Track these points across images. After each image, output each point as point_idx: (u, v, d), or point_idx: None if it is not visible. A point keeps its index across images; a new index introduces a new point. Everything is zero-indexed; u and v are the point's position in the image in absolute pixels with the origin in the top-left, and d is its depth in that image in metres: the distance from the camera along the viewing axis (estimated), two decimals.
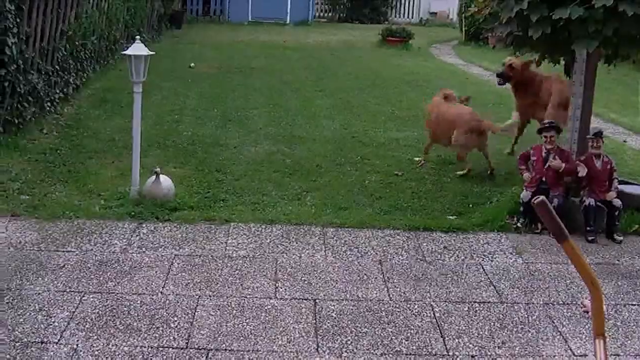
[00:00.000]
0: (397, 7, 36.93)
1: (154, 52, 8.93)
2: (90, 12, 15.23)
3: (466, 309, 6.63)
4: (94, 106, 13.62)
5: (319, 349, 5.83)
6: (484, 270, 7.47)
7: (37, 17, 11.87)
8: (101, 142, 11.24)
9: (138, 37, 9.14)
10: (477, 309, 6.64)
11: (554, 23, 7.80)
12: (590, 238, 8.39)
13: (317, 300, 6.61)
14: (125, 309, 6.29)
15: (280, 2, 32.51)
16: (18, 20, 10.69)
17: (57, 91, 12.82)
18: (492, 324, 6.39)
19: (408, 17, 36.64)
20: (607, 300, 6.82)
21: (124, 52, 8.79)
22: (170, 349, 5.71)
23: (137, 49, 8.57)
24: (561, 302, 6.85)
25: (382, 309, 6.53)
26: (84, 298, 6.44)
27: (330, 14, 36.34)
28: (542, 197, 2.85)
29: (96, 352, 5.61)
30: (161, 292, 6.61)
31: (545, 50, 9.02)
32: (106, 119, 12.71)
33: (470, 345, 6.01)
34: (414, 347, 5.94)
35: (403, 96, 16.41)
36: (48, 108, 12.21)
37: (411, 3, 37.09)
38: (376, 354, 5.81)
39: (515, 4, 8.12)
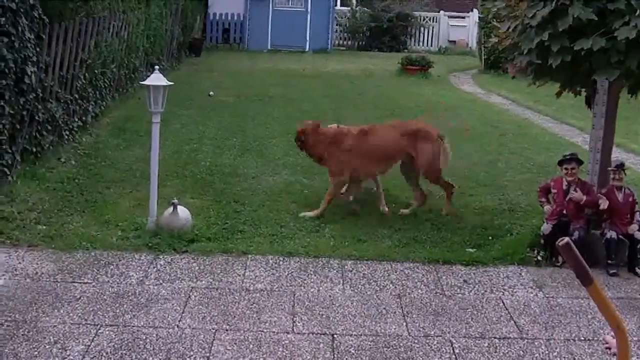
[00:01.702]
0: (417, 36, 36.94)
1: (172, 82, 8.92)
2: (110, 40, 15.28)
3: (486, 344, 6.54)
4: (113, 135, 13.63)
5: None
6: (504, 304, 7.38)
7: (57, 46, 11.90)
8: (119, 172, 11.23)
9: (157, 66, 9.13)
10: (497, 344, 6.55)
11: (575, 53, 7.76)
12: (611, 272, 8.28)
13: (335, 335, 6.53)
14: (141, 342, 6.24)
15: (299, 30, 32.59)
16: (38, 49, 10.72)
17: (76, 120, 12.83)
18: None
19: (427, 45, 36.64)
20: (629, 336, 6.69)
21: (143, 82, 8.79)
22: None
23: (156, 79, 8.56)
24: (583, 338, 6.76)
25: (401, 344, 6.45)
26: (99, 331, 6.39)
27: (349, 42, 36.38)
28: (567, 239, 2.78)
29: None
30: (177, 326, 6.55)
31: (565, 80, 8.95)
32: (125, 148, 12.71)
33: None
34: None
35: None
36: (67, 137, 12.22)
37: (430, 31, 37.12)
38: None
39: (536, 35, 8.09)
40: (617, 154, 11.39)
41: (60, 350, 6.04)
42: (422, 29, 37.04)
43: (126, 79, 17.04)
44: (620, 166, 8.65)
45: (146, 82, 8.63)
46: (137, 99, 16.48)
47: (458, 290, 7.69)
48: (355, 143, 9.86)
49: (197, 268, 7.86)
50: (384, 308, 7.14)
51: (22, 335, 6.24)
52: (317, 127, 10.13)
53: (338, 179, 9.89)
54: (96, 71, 14.12)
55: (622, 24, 7.56)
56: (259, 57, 29.44)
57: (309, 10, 32.97)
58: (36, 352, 5.99)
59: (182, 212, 8.76)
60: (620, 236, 8.42)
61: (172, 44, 23.94)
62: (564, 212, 8.62)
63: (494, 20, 10.00)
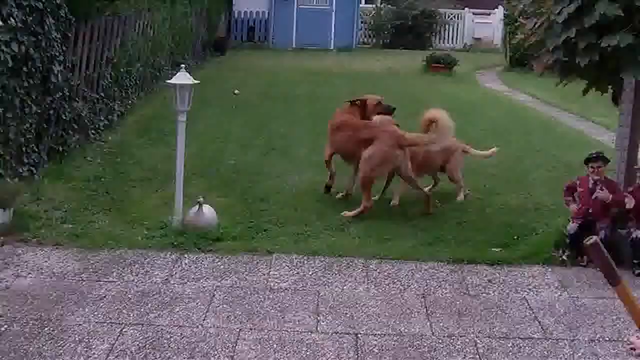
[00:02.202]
0: (441, 33, 36.80)
1: (198, 81, 8.93)
2: (136, 39, 15.34)
3: (510, 345, 6.51)
4: (138, 134, 13.68)
5: None
6: (528, 304, 7.34)
7: (83, 45, 11.98)
8: (145, 171, 11.27)
9: (183, 65, 9.15)
10: (521, 345, 6.52)
11: (602, 50, 7.70)
12: (637, 272, 8.20)
13: (358, 335, 6.53)
14: (165, 341, 6.26)
15: (324, 28, 32.59)
16: (64, 48, 10.79)
17: (102, 118, 12.91)
18: None
19: (452, 43, 36.49)
20: None
21: (169, 81, 8.81)
22: None
23: (182, 77, 8.58)
24: (607, 339, 6.71)
25: (425, 344, 6.43)
26: (124, 330, 6.42)
27: (373, 40, 36.28)
28: (595, 238, 2.78)
29: None
30: (202, 325, 6.57)
31: (592, 78, 8.88)
32: (150, 146, 12.75)
33: None
34: None
35: None
36: (92, 136, 12.29)
37: (455, 29, 36.96)
38: None
39: (562, 31, 8.03)
40: None
41: (85, 349, 6.07)
42: (446, 26, 36.91)
43: (151, 77, 17.10)
44: None
45: (172, 81, 8.65)
46: (162, 98, 16.51)
47: (482, 290, 7.66)
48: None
49: (221, 267, 7.88)
50: (408, 308, 7.12)
51: (47, 333, 6.28)
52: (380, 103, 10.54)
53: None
54: (122, 70, 14.19)
55: None
56: (284, 55, 29.44)
57: (333, 8, 32.96)
58: (61, 351, 6.02)
59: (208, 210, 8.78)
60: None
61: (197, 42, 24.01)
62: (590, 211, 8.56)
63: (520, 17, 9.95)
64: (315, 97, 19.16)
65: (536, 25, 8.76)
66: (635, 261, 8.26)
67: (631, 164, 8.79)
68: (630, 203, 8.40)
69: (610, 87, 9.00)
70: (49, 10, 10.04)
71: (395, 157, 9.60)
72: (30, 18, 9.54)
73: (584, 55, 7.87)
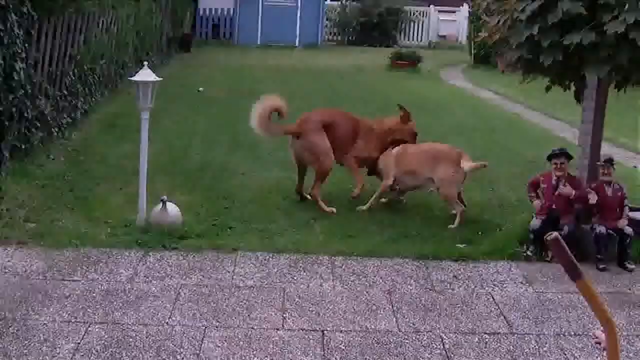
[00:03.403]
0: (406, 31, 36.96)
1: (161, 78, 8.89)
2: (99, 36, 15.24)
3: (476, 340, 6.55)
4: (103, 131, 13.60)
5: None
6: (494, 300, 7.39)
7: (46, 42, 11.87)
8: (109, 168, 11.20)
9: (146, 62, 9.11)
10: (487, 340, 6.57)
11: (565, 48, 7.76)
12: (601, 266, 8.29)
13: (325, 332, 6.54)
14: (131, 340, 6.23)
15: (289, 25, 32.59)
16: (26, 45, 10.69)
17: (65, 116, 12.80)
18: (503, 355, 6.33)
19: (417, 40, 36.67)
20: (619, 331, 6.70)
21: (132, 78, 8.76)
22: None
23: (145, 74, 8.54)
24: (573, 333, 6.77)
25: (391, 340, 6.46)
26: (89, 329, 6.38)
27: (339, 37, 36.37)
28: (555, 234, 2.79)
29: None
30: (167, 323, 6.55)
31: (555, 75, 8.95)
32: (115, 144, 12.66)
33: None
34: None
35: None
36: (56, 133, 12.18)
37: (420, 26, 37.14)
38: None
39: (525, 29, 8.08)
40: (606, 148, 11.39)
41: (50, 349, 6.03)
42: (412, 23, 37.06)
43: (116, 75, 17.00)
44: (609, 161, 8.65)
45: (135, 78, 8.61)
46: (127, 95, 16.41)
47: (448, 285, 7.70)
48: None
49: (186, 265, 7.85)
50: (374, 304, 7.14)
51: (12, 333, 6.23)
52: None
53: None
54: (85, 67, 14.08)
55: (611, 18, 7.56)
56: (249, 52, 29.40)
57: (299, 5, 33.03)
58: (26, 351, 5.98)
59: (172, 208, 8.74)
60: (610, 231, 8.43)
61: (162, 39, 23.92)
62: (554, 207, 8.63)
63: (484, 14, 9.98)
64: (281, 94, 18.99)
65: (500, 23, 8.79)
66: (598, 256, 8.34)
67: (594, 161, 8.86)
68: (593, 198, 8.50)
69: (573, 84, 9.08)
70: (11, 6, 9.93)
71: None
72: None
73: (548, 54, 7.92)
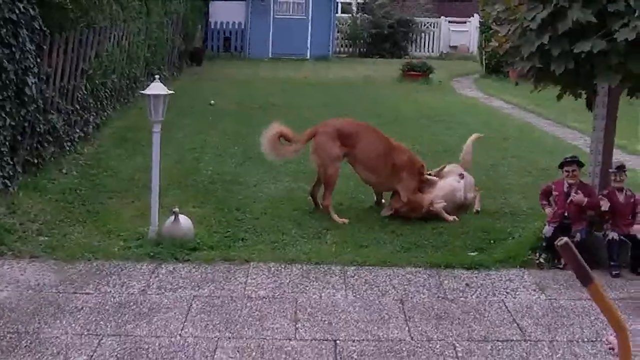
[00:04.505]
0: (418, 42, 37.00)
1: (173, 91, 8.92)
2: (111, 50, 15.30)
3: (489, 347, 6.53)
4: (115, 145, 13.64)
5: None
6: (506, 307, 7.37)
7: (58, 57, 11.92)
8: (121, 182, 11.22)
9: (157, 75, 9.14)
10: (500, 347, 6.55)
11: (576, 57, 7.74)
12: (614, 273, 8.26)
13: (337, 341, 6.53)
14: (143, 352, 6.23)
15: (300, 37, 32.65)
16: (38, 59, 10.74)
17: (77, 130, 12.84)
18: None
19: (428, 51, 36.69)
20: (633, 336, 6.66)
21: (143, 92, 8.80)
22: None
23: (156, 88, 8.57)
24: (586, 340, 6.75)
25: (404, 349, 6.45)
26: (102, 341, 6.39)
27: (350, 49, 36.40)
28: (565, 239, 2.78)
29: None
30: (180, 335, 6.55)
31: (566, 83, 8.93)
32: (127, 158, 12.71)
33: None
34: None
35: (424, 131, 16.35)
36: (68, 148, 12.22)
37: (431, 37, 37.17)
38: None
39: (536, 38, 8.07)
40: (618, 155, 11.36)
41: None
42: (423, 34, 37.09)
43: (127, 89, 17.03)
44: (621, 168, 8.64)
45: (146, 91, 8.64)
46: (138, 109, 16.47)
47: (460, 294, 7.69)
48: None
49: (198, 276, 7.86)
50: (386, 313, 7.13)
51: (25, 346, 6.24)
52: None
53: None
54: (97, 81, 14.12)
55: (622, 26, 7.54)
56: (260, 65, 29.45)
57: (309, 17, 33.04)
58: None
59: (184, 220, 8.76)
60: (622, 237, 8.41)
61: (173, 53, 23.97)
62: (566, 214, 8.61)
63: (494, 24, 9.98)
64: (291, 106, 19.15)
65: (509, 32, 8.79)
66: (611, 263, 8.32)
67: (606, 168, 8.84)
68: (605, 205, 8.48)
69: (584, 92, 9.07)
70: (22, 22, 9.99)
71: None
72: (4, 30, 9.49)
73: (559, 63, 7.90)
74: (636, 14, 7.46)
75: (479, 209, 10.33)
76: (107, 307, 7.05)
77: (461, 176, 10.49)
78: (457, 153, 11.44)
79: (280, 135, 10.10)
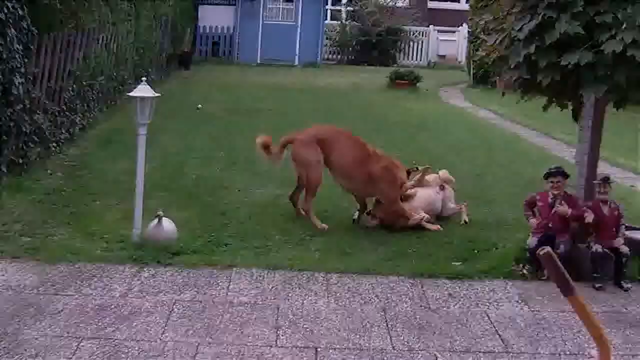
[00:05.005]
0: (406, 50, 37.03)
1: (159, 94, 8.89)
2: (99, 52, 15.26)
3: (471, 359, 6.51)
4: (100, 147, 13.60)
5: None
6: (489, 318, 7.35)
7: (45, 57, 11.89)
8: (106, 184, 11.18)
9: (144, 78, 9.11)
10: (482, 359, 6.52)
11: (563, 68, 7.75)
12: (597, 285, 8.26)
13: (318, 349, 6.50)
14: (122, 355, 6.19)
15: (289, 44, 32.65)
16: (25, 60, 10.70)
17: (63, 131, 12.82)
18: None
19: (417, 59, 36.73)
20: (615, 350, 6.67)
21: (129, 94, 8.76)
22: None
23: (143, 90, 8.53)
24: (568, 352, 6.73)
25: (385, 358, 6.42)
26: (81, 344, 6.35)
27: (338, 56, 36.42)
28: (547, 249, 2.78)
29: None
30: (160, 339, 6.51)
31: (552, 94, 8.94)
32: (112, 160, 12.65)
33: None
34: None
35: (411, 140, 16.34)
36: (53, 148, 12.19)
37: (420, 46, 37.21)
38: None
39: (523, 48, 8.07)
40: (603, 168, 11.37)
41: None
42: (411, 43, 37.13)
43: (114, 91, 17.02)
44: (606, 180, 8.64)
45: (133, 94, 8.61)
46: (125, 111, 16.41)
47: (443, 304, 7.66)
48: None
49: (181, 281, 7.82)
50: (368, 322, 7.10)
51: (3, 348, 6.19)
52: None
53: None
54: (84, 83, 14.10)
55: (609, 37, 7.56)
56: (248, 70, 29.43)
57: (299, 24, 33.06)
58: None
59: (167, 224, 8.72)
60: (606, 250, 8.40)
61: (161, 56, 23.96)
62: (550, 225, 8.61)
63: (482, 33, 9.99)
64: (278, 112, 19.14)
65: (497, 42, 8.80)
66: (595, 275, 8.31)
67: (590, 179, 8.85)
68: (589, 217, 8.47)
69: (570, 103, 9.07)
70: (10, 21, 9.96)
71: None
72: None
73: (545, 74, 7.91)
74: (623, 26, 7.48)
75: (467, 220, 10.31)
76: (87, 310, 7.00)
77: (441, 187, 10.50)
78: (441, 162, 11.44)
79: (264, 144, 10.06)
